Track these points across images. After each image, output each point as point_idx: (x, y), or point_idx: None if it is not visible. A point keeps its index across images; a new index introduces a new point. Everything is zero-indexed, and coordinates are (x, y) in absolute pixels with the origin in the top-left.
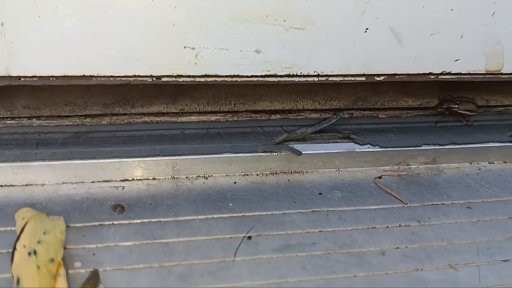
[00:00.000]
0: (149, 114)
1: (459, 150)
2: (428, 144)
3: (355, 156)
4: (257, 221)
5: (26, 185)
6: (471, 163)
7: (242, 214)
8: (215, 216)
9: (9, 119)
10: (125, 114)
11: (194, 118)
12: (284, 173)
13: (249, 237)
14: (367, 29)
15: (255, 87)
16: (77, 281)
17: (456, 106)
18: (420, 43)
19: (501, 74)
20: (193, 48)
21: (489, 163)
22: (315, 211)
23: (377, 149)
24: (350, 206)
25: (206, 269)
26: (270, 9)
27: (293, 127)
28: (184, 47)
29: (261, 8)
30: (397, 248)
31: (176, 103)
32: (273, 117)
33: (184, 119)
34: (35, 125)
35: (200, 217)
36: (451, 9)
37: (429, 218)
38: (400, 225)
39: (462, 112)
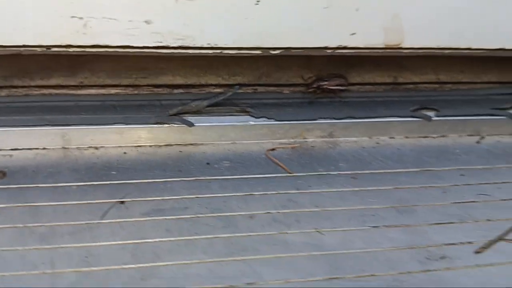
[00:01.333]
0: (48, 87)
1: (357, 124)
2: (325, 118)
3: (250, 129)
4: (136, 188)
5: None
6: (370, 138)
7: (123, 181)
8: (95, 183)
9: None
10: (23, 87)
11: (93, 91)
12: (178, 145)
13: (122, 202)
14: (258, 1)
15: (156, 60)
16: None
17: (326, 83)
18: (313, 16)
19: (401, 48)
20: (81, 18)
21: (389, 138)
22: (198, 179)
23: (273, 122)
24: (234, 175)
25: (68, 231)
26: None
27: (193, 101)
28: (72, 17)
29: None
30: (268, 213)
31: (75, 76)
32: (175, 91)
33: (83, 92)
34: None
35: (79, 184)
36: None
37: (309, 186)
38: (278, 192)
39: (333, 88)
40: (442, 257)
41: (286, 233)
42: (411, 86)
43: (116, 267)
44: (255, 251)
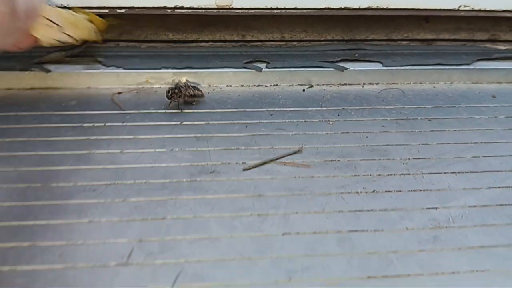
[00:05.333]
0: None
1: (197, 74)
2: (167, 68)
3: (102, 76)
4: None
5: None
6: (209, 86)
7: None
8: None
9: None
10: None
11: None
12: (41, 88)
13: None
14: None
15: None
16: None
17: None
18: None
19: (233, 9)
20: None
21: (226, 86)
22: (44, 114)
23: (121, 70)
24: (76, 111)
25: None
26: None
27: (53, 52)
28: None
29: None
30: (88, 138)
31: None
32: None
33: None
34: None
35: None
36: None
37: (134, 120)
38: (104, 125)
39: None
40: (212, 172)
41: (94, 152)
42: (258, 43)
43: None
44: (60, 164)
